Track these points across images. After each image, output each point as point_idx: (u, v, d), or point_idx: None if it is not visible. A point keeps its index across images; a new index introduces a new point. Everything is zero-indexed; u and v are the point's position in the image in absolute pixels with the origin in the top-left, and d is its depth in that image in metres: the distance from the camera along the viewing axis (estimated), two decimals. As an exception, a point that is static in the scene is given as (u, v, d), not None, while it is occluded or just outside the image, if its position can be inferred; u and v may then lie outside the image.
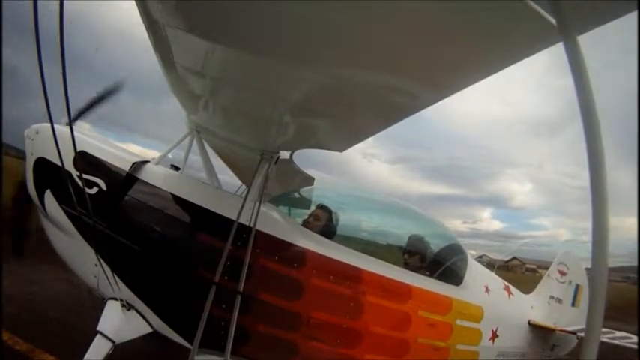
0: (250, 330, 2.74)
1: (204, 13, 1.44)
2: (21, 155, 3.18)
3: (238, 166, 4.32)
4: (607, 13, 1.08)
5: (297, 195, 3.98)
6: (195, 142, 3.32)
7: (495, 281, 3.99)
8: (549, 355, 4.44)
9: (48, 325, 4.25)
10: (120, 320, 2.70)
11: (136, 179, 2.91)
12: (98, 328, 2.61)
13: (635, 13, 1.03)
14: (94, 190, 2.82)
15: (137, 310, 2.78)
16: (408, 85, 1.65)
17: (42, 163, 2.92)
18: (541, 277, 5.28)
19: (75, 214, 2.67)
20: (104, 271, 2.64)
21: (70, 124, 1.98)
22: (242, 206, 2.75)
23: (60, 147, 2.08)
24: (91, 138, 3.16)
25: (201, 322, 2.37)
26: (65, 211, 2.87)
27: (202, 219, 2.87)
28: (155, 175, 2.97)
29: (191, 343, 2.41)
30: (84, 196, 2.43)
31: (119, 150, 3.22)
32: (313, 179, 3.71)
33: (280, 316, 2.79)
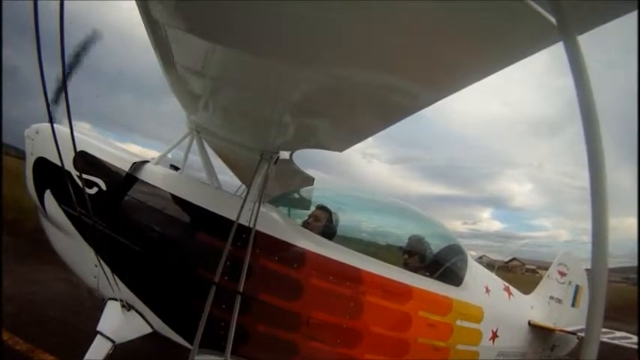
0: (250, 330, 2.74)
1: (204, 13, 1.44)
2: (21, 155, 3.17)
3: (238, 166, 4.32)
4: (607, 13, 1.08)
5: (297, 195, 3.98)
6: (195, 142, 3.32)
7: (495, 282, 3.99)
8: (549, 355, 4.44)
9: (48, 325, 4.24)
10: (120, 320, 2.70)
11: (136, 179, 2.91)
12: (98, 329, 2.61)
13: (635, 13, 1.03)
14: (93, 190, 2.81)
15: (137, 311, 2.78)
16: (407, 85, 1.65)
17: (42, 163, 2.91)
18: (541, 277, 5.28)
19: (75, 214, 2.66)
20: (104, 272, 2.64)
21: (70, 124, 1.97)
22: (242, 206, 2.75)
23: (60, 147, 2.08)
24: (91, 138, 3.16)
25: (201, 323, 2.36)
26: (65, 211, 2.87)
27: (202, 219, 2.87)
28: (155, 175, 2.97)
29: (191, 343, 2.41)
30: (84, 196, 2.44)
31: (119, 150, 3.22)
32: (313, 179, 3.70)
33: (280, 317, 2.79)
